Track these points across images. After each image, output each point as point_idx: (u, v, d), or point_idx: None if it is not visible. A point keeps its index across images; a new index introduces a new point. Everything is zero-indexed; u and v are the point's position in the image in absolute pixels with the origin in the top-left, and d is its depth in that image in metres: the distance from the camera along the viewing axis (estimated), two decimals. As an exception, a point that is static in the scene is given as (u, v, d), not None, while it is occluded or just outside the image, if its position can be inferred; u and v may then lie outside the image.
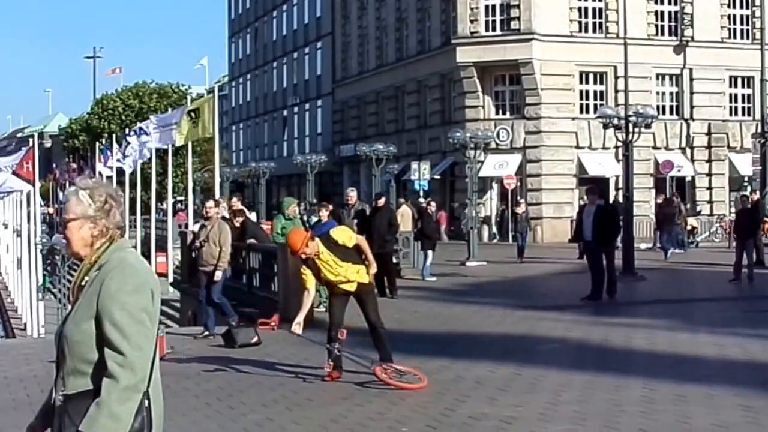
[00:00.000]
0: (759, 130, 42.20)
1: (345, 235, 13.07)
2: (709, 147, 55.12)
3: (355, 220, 24.02)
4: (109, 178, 54.89)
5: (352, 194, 25.50)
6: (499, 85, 53.82)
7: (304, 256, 12.78)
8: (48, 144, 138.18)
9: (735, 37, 55.80)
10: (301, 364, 13.24)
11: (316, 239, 12.86)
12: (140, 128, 40.35)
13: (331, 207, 24.16)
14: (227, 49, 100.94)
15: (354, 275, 12.77)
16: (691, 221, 47.17)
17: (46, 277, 41.83)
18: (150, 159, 42.43)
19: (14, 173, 34.44)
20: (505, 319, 19.35)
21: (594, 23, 53.14)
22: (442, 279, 28.04)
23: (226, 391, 12.27)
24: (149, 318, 4.44)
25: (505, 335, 17.29)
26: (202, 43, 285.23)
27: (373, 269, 12.99)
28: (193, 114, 31.46)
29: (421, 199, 40.58)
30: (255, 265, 21.79)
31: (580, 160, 52.13)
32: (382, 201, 24.68)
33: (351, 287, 12.84)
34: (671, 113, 54.67)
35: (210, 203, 18.76)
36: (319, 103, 77.16)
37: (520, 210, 37.57)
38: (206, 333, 17.64)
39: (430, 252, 28.22)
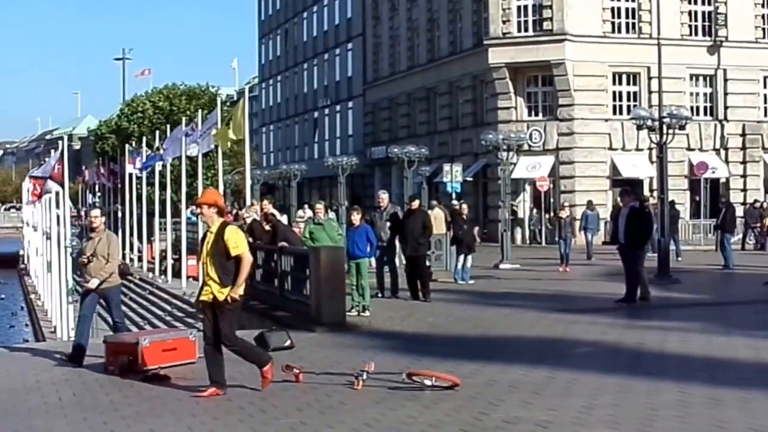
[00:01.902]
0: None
1: (234, 237, 12.06)
2: (743, 148, 54.84)
3: (388, 223, 23.93)
4: (139, 179, 55.15)
5: (383, 197, 25.24)
6: (532, 87, 53.70)
7: (197, 211, 12.33)
8: (77, 146, 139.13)
9: (769, 37, 55.53)
10: (333, 367, 13.16)
11: (227, 221, 12.36)
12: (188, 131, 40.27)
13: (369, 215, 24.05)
14: (257, 50, 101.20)
15: (211, 282, 12.07)
16: None
17: (75, 280, 41.93)
18: (180, 160, 42.46)
19: (50, 178, 34.55)
20: (539, 322, 19.27)
21: (627, 23, 52.94)
22: (476, 282, 27.98)
23: (258, 394, 12.21)
24: None
25: (538, 338, 17.23)
26: (232, 44, 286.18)
27: (234, 294, 11.94)
28: (227, 118, 31.62)
29: (454, 202, 40.31)
30: (287, 268, 21.67)
31: (613, 161, 51.93)
32: (416, 204, 24.53)
33: (206, 296, 12.13)
34: (705, 114, 54.40)
35: (95, 212, 15.97)
36: (350, 104, 77.18)
37: (564, 214, 34.98)
38: None
39: (462, 256, 28.06)
